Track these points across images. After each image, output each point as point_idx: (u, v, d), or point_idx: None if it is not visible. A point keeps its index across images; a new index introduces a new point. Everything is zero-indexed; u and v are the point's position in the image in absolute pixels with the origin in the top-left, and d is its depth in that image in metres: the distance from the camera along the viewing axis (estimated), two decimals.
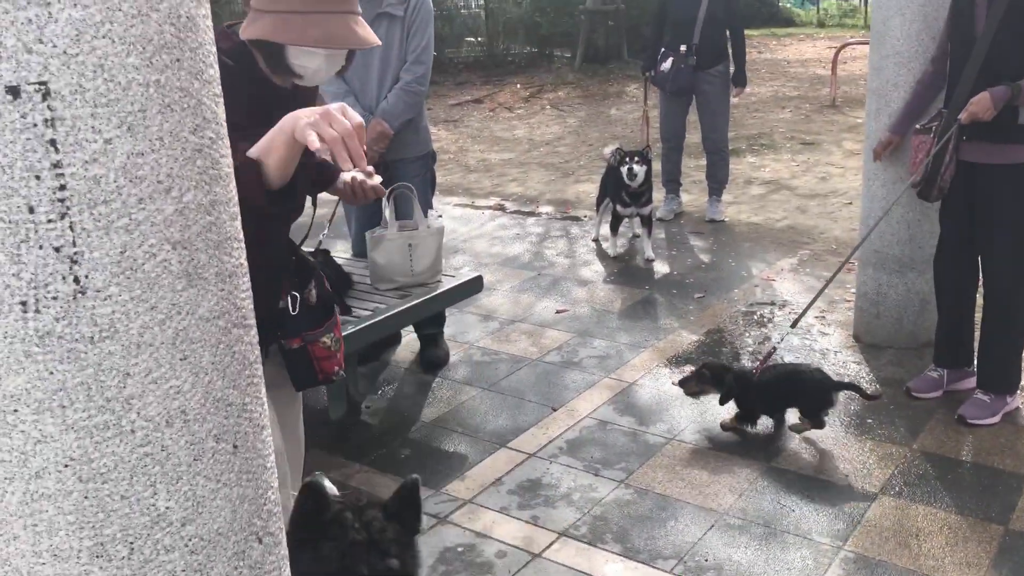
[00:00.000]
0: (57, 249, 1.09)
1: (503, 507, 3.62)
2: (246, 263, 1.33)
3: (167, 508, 1.23)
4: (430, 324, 5.00)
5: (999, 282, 3.93)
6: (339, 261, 4.64)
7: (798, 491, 3.63)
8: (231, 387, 1.28)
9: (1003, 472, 3.67)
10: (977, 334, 4.17)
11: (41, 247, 1.08)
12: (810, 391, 4.00)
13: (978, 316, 4.16)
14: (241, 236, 1.32)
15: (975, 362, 4.20)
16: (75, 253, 1.10)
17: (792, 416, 4.09)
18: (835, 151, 9.70)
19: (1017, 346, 4.03)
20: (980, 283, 4.09)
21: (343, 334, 3.73)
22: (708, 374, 4.12)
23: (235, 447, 1.30)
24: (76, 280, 1.11)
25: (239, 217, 1.32)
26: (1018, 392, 4.14)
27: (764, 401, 4.06)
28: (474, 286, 4.63)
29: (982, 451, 3.84)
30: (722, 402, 4.07)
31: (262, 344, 1.43)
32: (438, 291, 4.39)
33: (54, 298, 1.10)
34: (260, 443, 1.36)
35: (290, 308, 2.55)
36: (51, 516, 1.17)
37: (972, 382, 4.18)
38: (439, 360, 4.96)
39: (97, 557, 1.20)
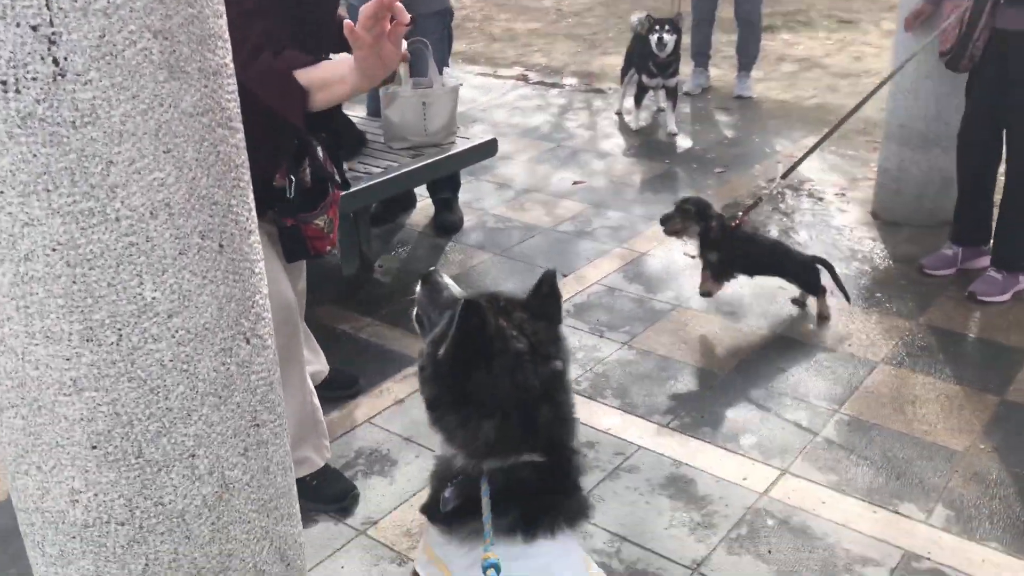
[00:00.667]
0: (34, 28, 1.09)
1: None
2: (231, 63, 1.33)
3: (153, 299, 1.27)
4: (445, 188, 5.00)
5: (1022, 159, 3.85)
6: (353, 120, 4.61)
7: (799, 357, 3.68)
8: (216, 186, 1.30)
9: (1006, 347, 3.69)
10: (996, 213, 4.12)
11: (18, 25, 1.08)
12: (793, 265, 3.95)
13: (998, 196, 4.10)
14: (226, 35, 1.32)
15: (991, 241, 4.16)
16: (53, 33, 1.10)
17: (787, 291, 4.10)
18: (872, 30, 9.37)
19: None
20: (1003, 160, 4.00)
21: (355, 189, 3.75)
22: (692, 210, 3.92)
23: (221, 246, 1.33)
24: (55, 61, 1.11)
25: (224, 16, 1.31)
26: None
27: (734, 258, 3.95)
28: (488, 149, 4.59)
29: (988, 327, 3.85)
30: (702, 244, 3.94)
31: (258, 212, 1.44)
32: (451, 152, 4.37)
33: (34, 79, 1.11)
34: (247, 246, 1.39)
35: (287, 192, 2.57)
36: (41, 299, 1.22)
37: (986, 261, 4.15)
38: (453, 225, 4.98)
39: (87, 341, 1.25)
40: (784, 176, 4.26)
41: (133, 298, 1.25)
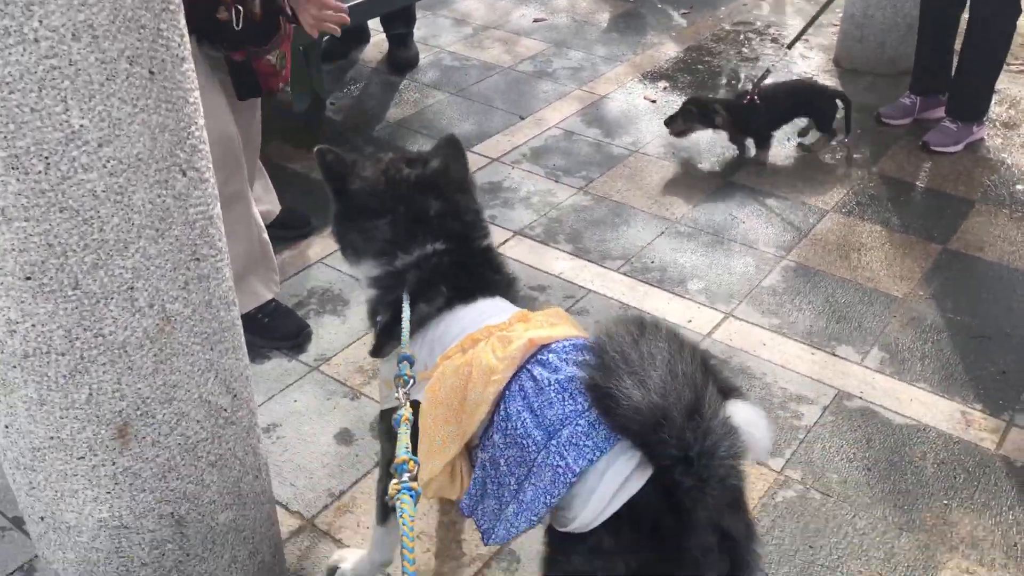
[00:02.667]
0: None
1: None
2: None
3: (81, 126, 1.22)
4: (399, 23, 4.81)
5: (984, 8, 3.78)
6: None
7: (751, 205, 3.71)
8: (142, 8, 1.23)
9: (954, 197, 3.74)
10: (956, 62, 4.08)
11: None
12: (819, 99, 4.02)
13: (960, 45, 4.05)
14: None
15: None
16: None
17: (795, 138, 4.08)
18: None
19: (991, 76, 3.95)
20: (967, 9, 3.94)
21: None
22: (695, 110, 3.96)
23: (151, 73, 1.27)
24: None
25: None
26: (984, 123, 4.13)
27: (769, 118, 4.00)
28: None
29: (938, 176, 3.89)
30: (731, 132, 4.03)
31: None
32: None
33: None
34: (180, 74, 1.33)
35: (233, 22, 2.44)
36: None
37: (942, 111, 4.15)
38: (407, 61, 4.83)
39: (13, 169, 1.21)
40: (791, 45, 4.20)
41: (59, 125, 1.20)
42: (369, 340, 2.96)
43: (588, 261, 3.37)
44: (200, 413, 1.53)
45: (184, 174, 1.37)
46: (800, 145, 4.09)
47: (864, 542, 2.30)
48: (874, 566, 2.24)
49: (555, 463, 1.46)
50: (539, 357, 1.58)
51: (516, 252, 3.40)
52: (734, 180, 3.89)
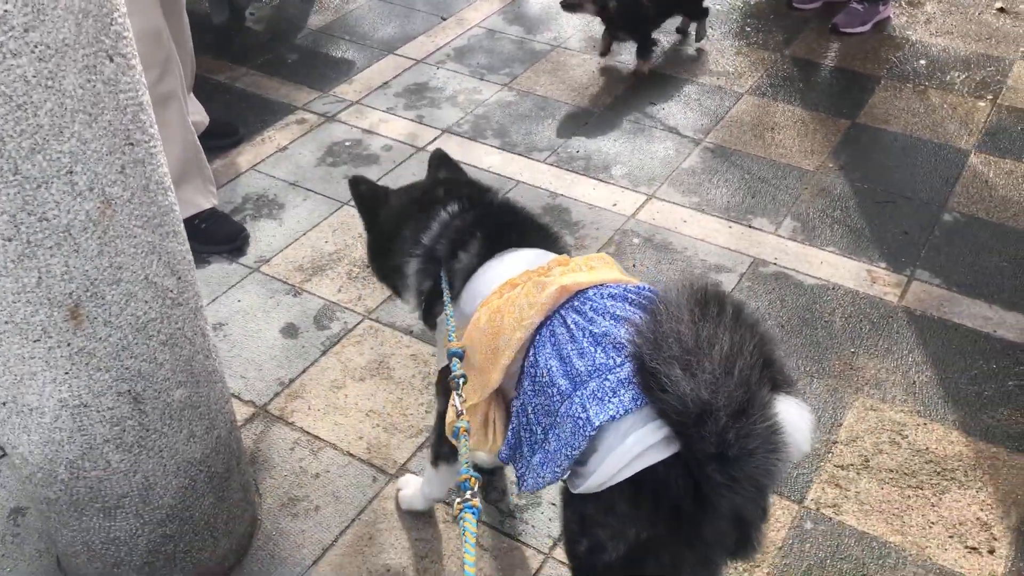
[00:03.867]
0: None
1: (389, 107, 3.73)
2: None
3: (5, 11, 1.26)
4: None
5: None
6: None
7: (671, 91, 3.82)
8: None
9: (861, 75, 3.91)
10: None
11: None
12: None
13: None
14: None
15: None
16: None
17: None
18: None
19: None
20: None
21: None
22: None
23: None
24: None
25: None
26: (890, 2, 4.28)
27: (655, 15, 4.03)
28: None
29: (847, 56, 4.04)
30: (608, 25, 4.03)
31: None
32: None
33: None
34: None
35: None
36: None
37: None
38: None
39: None
40: None
41: None
42: (308, 240, 3.05)
43: (515, 154, 3.46)
44: (148, 294, 1.61)
45: (111, 59, 1.43)
46: (679, 30, 4.17)
47: None
48: None
49: (577, 414, 1.41)
50: (574, 303, 1.53)
51: (446, 149, 3.47)
52: (654, 70, 3.99)
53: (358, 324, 2.72)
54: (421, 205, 1.91)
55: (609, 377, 1.40)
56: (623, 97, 3.80)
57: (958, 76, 3.87)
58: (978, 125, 3.57)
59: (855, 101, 3.72)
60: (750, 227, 3.09)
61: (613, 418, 1.37)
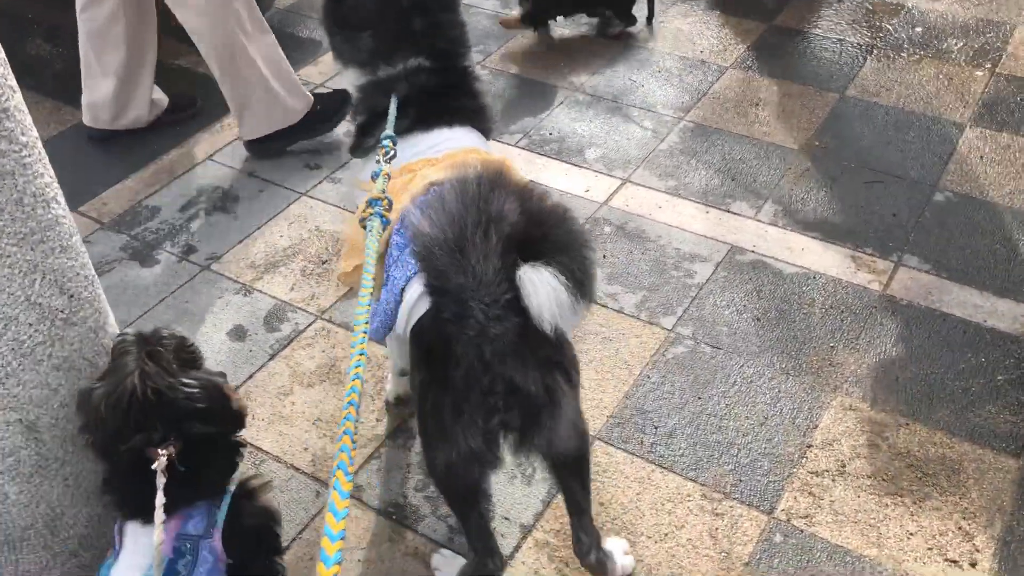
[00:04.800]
0: None
1: None
2: None
3: None
4: None
5: None
6: None
7: (651, 68, 3.64)
8: None
9: (853, 45, 3.70)
10: None
11: None
12: None
13: None
14: None
15: None
16: None
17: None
18: None
19: None
20: None
21: None
22: None
23: None
24: None
25: None
26: None
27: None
28: None
29: (838, 25, 3.83)
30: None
31: None
32: None
33: None
34: None
35: None
36: None
37: None
38: None
39: None
40: None
41: None
42: (261, 236, 2.92)
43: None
44: (31, 316, 1.48)
45: None
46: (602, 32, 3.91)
47: (751, 389, 2.35)
48: (760, 410, 2.30)
49: (394, 275, 1.70)
50: (430, 191, 1.70)
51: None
52: (635, 44, 3.80)
53: (310, 325, 2.59)
54: (393, 25, 1.95)
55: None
56: (602, 74, 3.61)
57: (955, 44, 3.66)
58: (975, 96, 3.37)
59: (845, 73, 3.53)
60: (728, 212, 2.92)
61: (408, 279, 1.64)
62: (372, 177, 1.80)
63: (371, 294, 1.53)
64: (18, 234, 1.42)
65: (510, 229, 1.45)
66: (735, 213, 2.91)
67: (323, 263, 2.79)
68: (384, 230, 1.69)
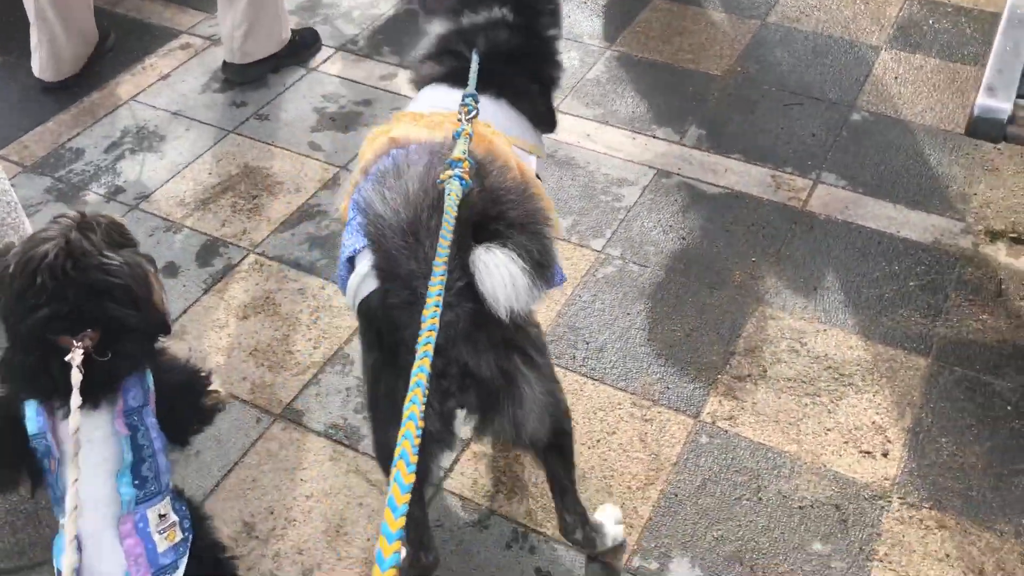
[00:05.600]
0: None
1: None
2: None
3: None
4: None
5: None
6: None
7: (576, 4, 3.66)
8: None
9: None
10: None
11: None
12: None
13: None
14: None
15: None
16: None
17: None
18: None
19: None
20: None
21: None
22: None
23: None
24: None
25: None
26: None
27: None
28: None
29: None
30: None
31: None
32: None
33: None
34: None
35: None
36: None
37: None
38: None
39: None
40: None
41: None
42: (191, 173, 2.89)
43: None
44: None
45: None
46: None
47: (678, 303, 2.44)
48: (686, 323, 2.39)
49: (345, 241, 1.59)
50: (391, 153, 1.60)
51: (338, 68, 3.31)
52: None
53: (243, 259, 2.59)
54: None
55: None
56: None
57: None
58: (890, 20, 3.47)
59: (766, 0, 3.59)
60: (654, 138, 2.98)
61: (356, 249, 1.53)
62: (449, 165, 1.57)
63: (445, 264, 1.30)
64: None
65: (467, 212, 1.35)
66: (661, 139, 2.97)
67: (253, 199, 2.79)
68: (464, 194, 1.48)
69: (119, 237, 1.43)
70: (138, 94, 3.21)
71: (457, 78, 1.82)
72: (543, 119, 2.00)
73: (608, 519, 1.90)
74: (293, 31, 3.30)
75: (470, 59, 1.82)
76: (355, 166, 1.75)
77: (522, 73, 1.91)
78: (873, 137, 2.96)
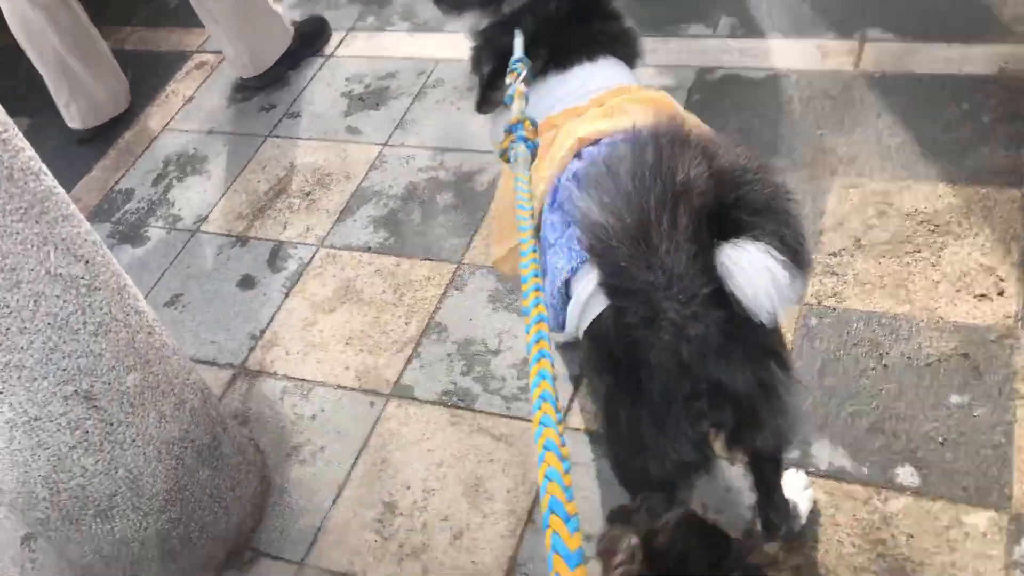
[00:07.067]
0: None
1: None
2: None
3: None
4: None
5: None
6: None
7: None
8: None
9: None
10: None
11: None
12: None
13: None
14: None
15: None
16: None
17: None
18: None
19: None
20: None
21: None
22: None
23: None
24: None
25: None
26: None
27: None
28: None
29: None
30: None
31: None
32: None
33: None
34: None
35: None
36: None
37: None
38: None
39: None
40: None
41: None
42: (238, 185, 2.90)
43: (429, 32, 3.26)
44: (56, 287, 1.49)
45: None
46: None
47: None
48: None
49: (553, 264, 1.43)
50: (582, 153, 1.47)
51: (354, 49, 3.28)
52: None
53: (313, 256, 2.60)
54: None
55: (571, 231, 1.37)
56: None
57: None
58: None
59: None
60: (687, 37, 2.90)
61: (573, 269, 1.37)
62: (509, 131, 1.46)
63: (534, 273, 1.14)
64: (19, 209, 1.43)
65: (701, 201, 1.12)
66: (694, 36, 2.90)
67: (307, 195, 2.79)
68: (532, 158, 1.37)
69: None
70: (169, 122, 3.22)
71: (560, 59, 1.67)
72: (636, 54, 1.84)
73: (797, 491, 1.74)
74: (299, 22, 3.27)
75: (541, 37, 1.66)
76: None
77: (596, 22, 1.75)
78: None
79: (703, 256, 1.12)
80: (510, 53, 1.63)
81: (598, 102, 1.57)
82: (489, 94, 1.75)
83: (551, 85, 1.65)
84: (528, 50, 1.63)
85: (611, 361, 1.31)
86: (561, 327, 1.45)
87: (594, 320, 1.32)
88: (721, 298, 1.13)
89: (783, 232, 1.13)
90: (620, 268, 1.15)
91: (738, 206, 1.14)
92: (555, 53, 1.65)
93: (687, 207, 1.10)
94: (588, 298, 1.31)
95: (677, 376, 1.21)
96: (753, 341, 1.24)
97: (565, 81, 1.65)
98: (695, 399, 1.24)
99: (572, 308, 1.36)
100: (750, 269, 1.11)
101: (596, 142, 1.47)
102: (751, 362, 1.24)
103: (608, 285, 1.21)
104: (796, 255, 1.13)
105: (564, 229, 1.41)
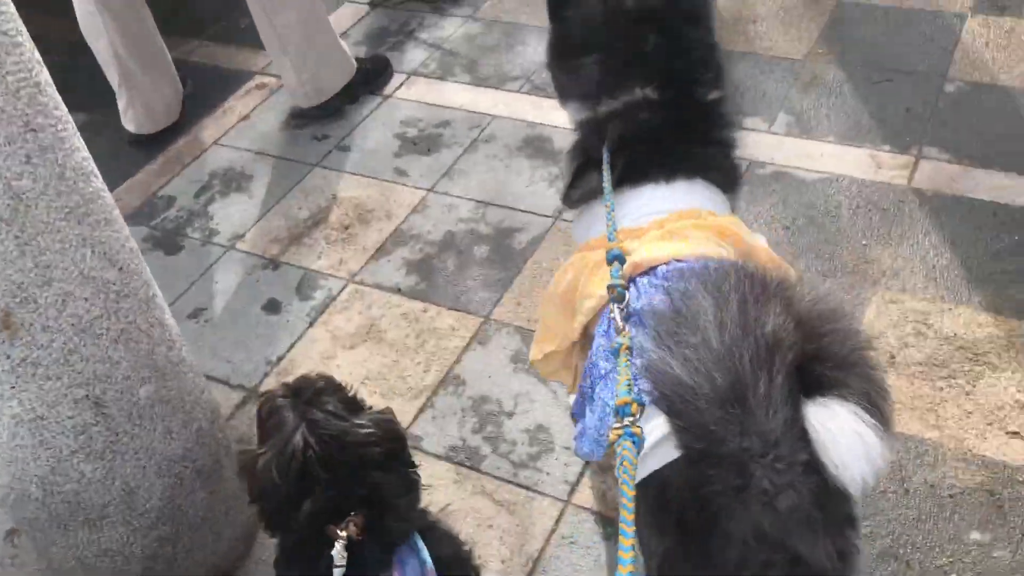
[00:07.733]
0: None
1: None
2: None
3: None
4: None
5: None
6: None
7: None
8: None
9: None
10: None
11: None
12: None
13: None
14: None
15: None
16: None
17: None
18: None
19: None
20: None
21: None
22: None
23: None
24: None
25: None
26: None
27: None
28: None
29: None
30: None
31: None
32: None
33: None
34: None
35: None
36: None
37: None
38: None
39: None
40: None
41: None
42: (280, 208, 2.91)
43: (488, 88, 3.29)
44: (87, 291, 1.49)
45: None
46: None
47: None
48: None
49: (605, 399, 1.35)
50: (637, 280, 1.41)
51: (413, 93, 3.31)
52: None
53: (342, 290, 2.59)
54: (621, 47, 1.58)
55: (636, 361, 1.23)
56: None
57: None
58: None
59: None
60: (743, 129, 2.90)
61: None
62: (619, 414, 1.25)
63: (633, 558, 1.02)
64: (64, 208, 1.43)
65: (791, 355, 1.03)
66: (749, 128, 2.90)
67: (346, 229, 2.79)
68: (638, 451, 1.16)
69: (347, 398, 1.37)
70: (221, 137, 3.25)
71: (633, 175, 1.56)
72: (732, 182, 1.70)
73: None
74: (362, 59, 3.32)
75: (625, 147, 1.56)
76: (569, 305, 1.55)
77: (696, 144, 1.61)
78: (971, 106, 2.84)
79: (798, 419, 1.02)
80: (598, 154, 1.57)
81: (658, 224, 1.49)
82: (571, 191, 1.68)
83: (620, 201, 1.55)
84: (613, 157, 1.56)
85: (677, 525, 1.19)
86: (590, 454, 1.42)
87: (657, 473, 1.20)
88: (814, 463, 1.03)
89: (869, 390, 1.03)
90: (708, 432, 1.04)
91: (820, 358, 1.05)
92: (632, 164, 1.56)
93: (781, 364, 1.02)
94: (651, 448, 1.20)
95: (756, 548, 1.10)
96: (836, 509, 1.12)
97: (634, 198, 1.56)
98: (769, 567, 1.12)
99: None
100: (840, 435, 1.01)
101: (653, 269, 1.40)
102: (832, 533, 1.13)
103: (690, 449, 1.09)
104: (883, 415, 1.03)
105: (616, 359, 1.30)
